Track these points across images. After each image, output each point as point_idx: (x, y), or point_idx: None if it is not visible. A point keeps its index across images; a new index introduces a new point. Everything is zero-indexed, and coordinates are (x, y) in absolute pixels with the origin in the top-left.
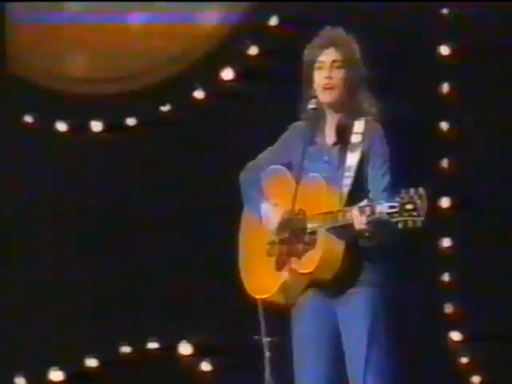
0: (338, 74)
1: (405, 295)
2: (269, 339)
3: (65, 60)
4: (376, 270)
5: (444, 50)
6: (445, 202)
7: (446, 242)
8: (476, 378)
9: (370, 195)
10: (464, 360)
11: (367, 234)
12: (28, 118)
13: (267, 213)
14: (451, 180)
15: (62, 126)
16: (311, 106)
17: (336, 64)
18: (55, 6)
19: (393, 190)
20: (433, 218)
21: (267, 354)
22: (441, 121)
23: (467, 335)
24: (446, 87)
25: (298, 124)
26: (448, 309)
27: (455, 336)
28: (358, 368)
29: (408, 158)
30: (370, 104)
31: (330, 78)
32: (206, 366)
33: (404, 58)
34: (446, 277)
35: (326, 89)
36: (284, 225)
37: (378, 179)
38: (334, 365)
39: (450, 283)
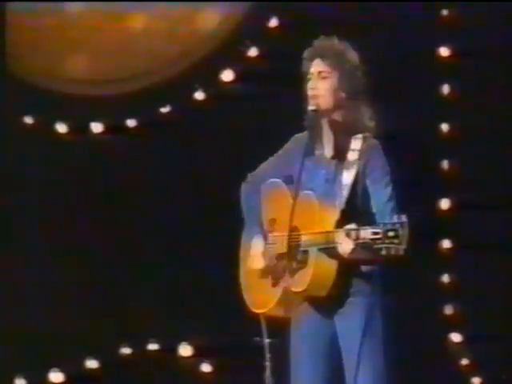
0: (323, 85)
1: (405, 297)
2: (269, 341)
3: (65, 61)
4: (372, 280)
5: (444, 51)
6: (445, 204)
7: (446, 244)
8: (476, 380)
9: (374, 208)
10: (464, 361)
11: (349, 257)
12: (28, 120)
13: (254, 247)
14: (451, 181)
15: (62, 128)
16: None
17: (322, 75)
18: (55, 6)
19: (396, 199)
20: (433, 219)
21: (268, 355)
22: (441, 122)
23: (467, 336)
24: (446, 88)
25: (300, 136)
26: (448, 310)
27: (455, 337)
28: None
29: (408, 160)
30: (368, 117)
31: (314, 88)
32: (206, 368)
33: (404, 59)
34: (445, 278)
35: (311, 98)
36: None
37: (380, 191)
38: (332, 375)
39: (450, 285)
